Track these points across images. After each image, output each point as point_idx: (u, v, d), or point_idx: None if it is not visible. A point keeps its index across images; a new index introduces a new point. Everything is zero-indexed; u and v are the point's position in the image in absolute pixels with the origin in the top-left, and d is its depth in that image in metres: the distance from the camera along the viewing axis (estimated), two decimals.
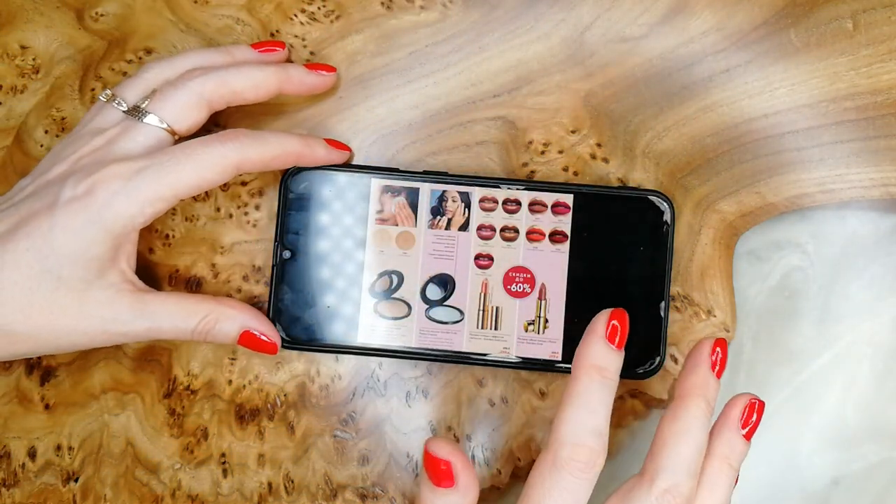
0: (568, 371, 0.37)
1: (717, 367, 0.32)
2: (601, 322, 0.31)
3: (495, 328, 0.37)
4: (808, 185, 0.39)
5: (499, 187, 0.37)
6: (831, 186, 0.39)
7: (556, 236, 0.37)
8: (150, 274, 0.39)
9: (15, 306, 0.33)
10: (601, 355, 0.31)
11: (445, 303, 0.37)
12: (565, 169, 0.39)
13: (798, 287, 0.40)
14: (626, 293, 0.37)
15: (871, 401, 0.39)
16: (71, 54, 0.40)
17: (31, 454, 0.39)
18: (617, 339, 0.31)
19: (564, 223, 0.37)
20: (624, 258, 0.37)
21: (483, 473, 0.39)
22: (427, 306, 0.37)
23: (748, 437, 0.32)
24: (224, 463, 0.39)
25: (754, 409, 0.32)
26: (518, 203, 0.37)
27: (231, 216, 0.39)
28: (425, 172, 0.37)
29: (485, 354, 0.37)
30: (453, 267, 0.37)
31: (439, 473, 0.30)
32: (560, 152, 0.39)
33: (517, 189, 0.37)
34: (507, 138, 0.39)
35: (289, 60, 0.40)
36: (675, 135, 0.39)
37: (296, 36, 0.40)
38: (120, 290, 0.34)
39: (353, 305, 0.37)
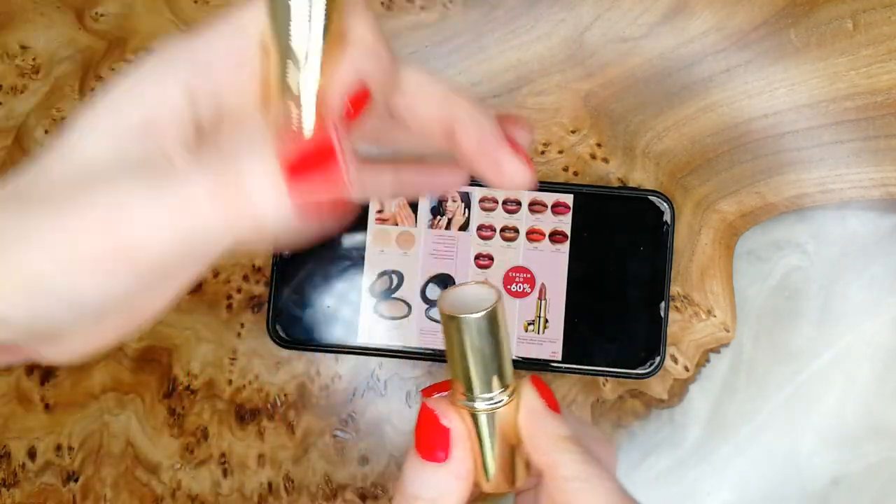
0: (568, 371, 0.37)
1: None
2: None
3: None
4: (808, 185, 0.39)
5: None
6: (831, 186, 0.39)
7: (556, 236, 0.37)
8: None
9: None
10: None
11: None
12: (565, 169, 0.39)
13: (798, 287, 0.40)
14: (625, 293, 0.37)
15: (871, 401, 0.39)
16: (71, 54, 0.40)
17: (31, 454, 0.39)
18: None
19: (564, 223, 0.37)
20: (624, 258, 0.37)
21: None
22: (427, 306, 0.37)
23: None
24: (224, 463, 0.39)
25: None
26: (518, 203, 0.37)
27: None
28: None
29: None
30: (453, 267, 0.37)
31: (433, 440, 0.23)
32: (560, 152, 0.39)
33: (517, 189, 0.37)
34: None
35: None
36: (675, 135, 0.39)
37: None
38: None
39: (353, 305, 0.37)
